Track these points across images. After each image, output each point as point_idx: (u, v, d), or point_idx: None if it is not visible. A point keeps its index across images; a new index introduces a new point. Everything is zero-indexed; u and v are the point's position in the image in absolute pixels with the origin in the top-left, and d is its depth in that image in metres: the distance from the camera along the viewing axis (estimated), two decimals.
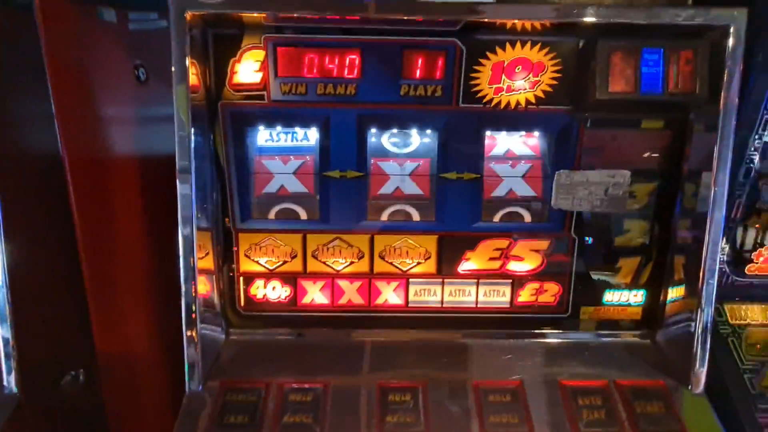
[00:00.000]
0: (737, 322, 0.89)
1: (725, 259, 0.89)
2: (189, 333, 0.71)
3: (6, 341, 0.69)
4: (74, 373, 0.82)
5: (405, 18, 0.66)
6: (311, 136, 0.76)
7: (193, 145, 0.67)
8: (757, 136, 0.82)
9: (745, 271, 0.91)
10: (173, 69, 0.66)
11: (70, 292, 0.79)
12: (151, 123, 1.01)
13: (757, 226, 0.89)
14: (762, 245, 0.89)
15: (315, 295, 0.80)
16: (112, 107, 0.86)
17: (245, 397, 0.70)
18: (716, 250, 0.72)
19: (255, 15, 0.66)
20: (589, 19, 0.66)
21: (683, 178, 0.75)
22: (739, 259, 0.90)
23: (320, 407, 0.69)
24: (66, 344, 0.80)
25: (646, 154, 0.75)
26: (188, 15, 0.65)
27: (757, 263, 0.90)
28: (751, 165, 0.85)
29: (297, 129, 0.76)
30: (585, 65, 0.70)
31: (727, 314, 0.90)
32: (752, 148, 0.83)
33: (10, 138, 0.67)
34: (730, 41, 0.66)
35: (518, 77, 0.71)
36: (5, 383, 0.70)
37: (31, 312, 0.71)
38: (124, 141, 0.90)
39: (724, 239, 0.89)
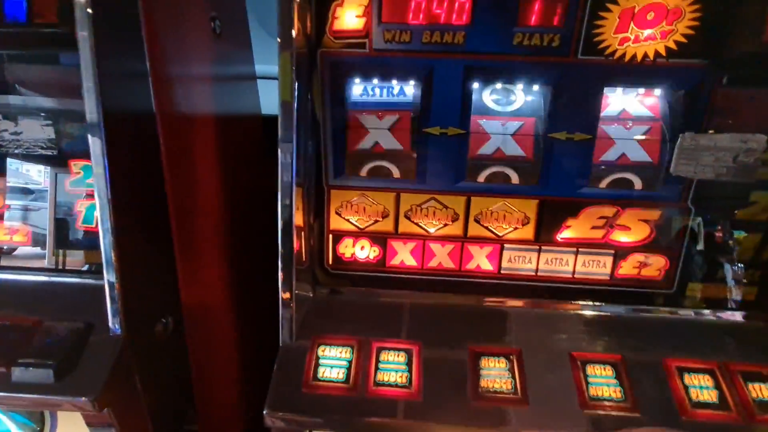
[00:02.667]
0: None
1: None
2: (286, 287, 0.71)
3: (112, 286, 0.71)
4: (165, 320, 0.85)
5: None
6: (408, 90, 0.72)
7: (296, 113, 0.64)
8: None
9: None
10: (278, 34, 0.62)
11: (162, 244, 0.81)
12: (229, 79, 0.99)
13: None
14: None
15: (404, 256, 0.78)
16: (194, 62, 0.85)
17: (338, 352, 0.70)
18: None
19: None
20: None
21: None
22: None
23: (412, 367, 0.68)
24: (158, 293, 0.83)
25: None
26: None
27: None
28: None
29: (394, 83, 0.72)
30: (733, 10, 0.61)
31: None
32: None
33: (112, 95, 0.67)
34: None
35: (649, 25, 0.64)
36: (111, 325, 0.73)
37: (130, 261, 0.73)
38: (207, 97, 0.90)
39: None
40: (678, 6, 0.63)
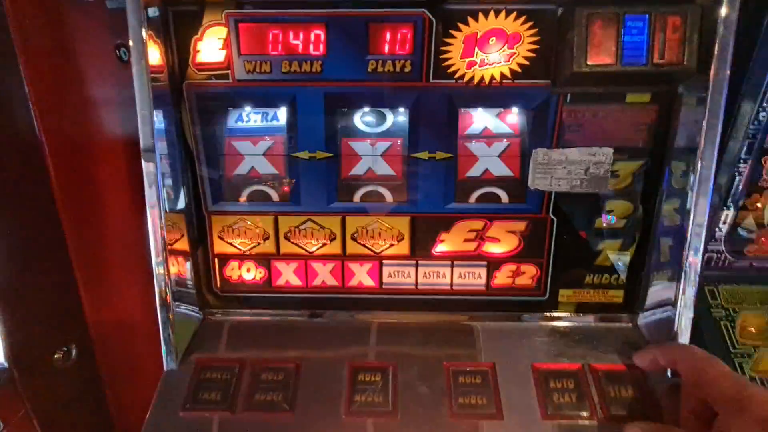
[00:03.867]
0: (733, 305, 0.86)
1: (723, 238, 0.85)
2: (164, 313, 0.72)
3: None
4: (66, 348, 0.85)
5: None
6: (281, 115, 0.75)
7: (155, 123, 0.66)
8: (761, 110, 0.77)
9: (744, 253, 0.87)
10: (131, 48, 0.65)
11: (58, 269, 0.81)
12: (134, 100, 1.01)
13: (758, 205, 0.84)
14: (763, 226, 0.85)
15: (289, 276, 0.80)
16: (93, 88, 0.86)
17: (219, 375, 0.72)
18: (701, 230, 0.69)
19: None
20: None
21: (671, 155, 0.71)
22: (737, 239, 0.86)
23: (290, 386, 0.70)
24: (57, 320, 0.83)
25: (630, 131, 0.70)
26: None
27: (756, 244, 0.86)
28: (754, 140, 0.80)
29: (266, 109, 0.74)
30: (564, 35, 0.65)
31: (722, 297, 0.87)
32: (755, 123, 0.78)
33: None
34: (723, 7, 0.60)
35: (492, 49, 0.67)
36: None
37: (18, 290, 0.73)
38: (107, 121, 0.91)
39: (725, 219, 0.85)
40: (517, 31, 0.67)
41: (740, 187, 0.83)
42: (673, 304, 0.71)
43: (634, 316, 0.78)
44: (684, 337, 0.71)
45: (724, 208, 0.84)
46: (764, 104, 0.77)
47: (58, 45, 0.77)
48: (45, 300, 0.81)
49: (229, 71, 0.70)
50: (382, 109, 0.74)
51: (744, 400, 0.54)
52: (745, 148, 0.81)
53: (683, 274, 0.69)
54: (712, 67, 0.62)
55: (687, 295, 0.70)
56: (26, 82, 0.72)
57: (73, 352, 0.86)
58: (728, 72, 0.63)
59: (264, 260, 0.79)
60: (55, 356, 0.83)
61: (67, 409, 0.85)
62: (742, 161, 0.81)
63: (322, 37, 0.68)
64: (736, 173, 0.82)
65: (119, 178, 0.93)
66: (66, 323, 0.85)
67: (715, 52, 0.62)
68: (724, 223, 0.85)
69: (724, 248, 0.86)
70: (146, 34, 0.64)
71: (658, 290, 0.75)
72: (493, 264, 0.78)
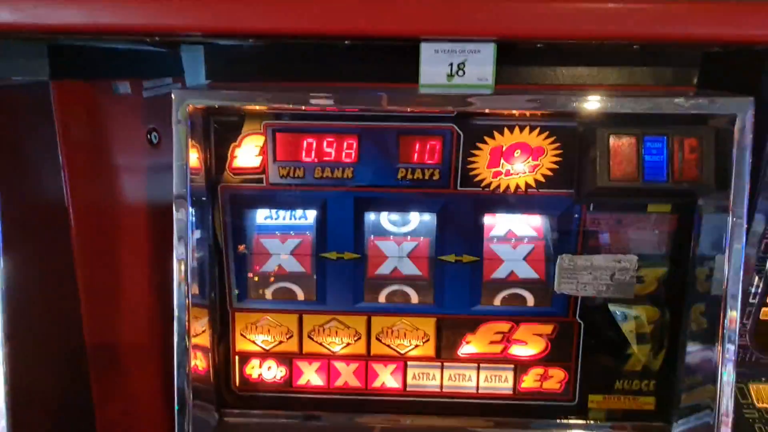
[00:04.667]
0: (764, 405, 0.83)
1: (748, 337, 0.84)
2: (181, 418, 0.70)
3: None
4: None
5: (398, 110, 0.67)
6: (309, 214, 0.77)
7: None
8: None
9: None
10: (174, 149, 0.68)
11: (71, 349, 0.78)
12: (161, 180, 1.03)
13: None
14: None
15: (311, 376, 0.78)
16: (124, 165, 0.88)
17: None
18: (734, 335, 0.68)
19: (256, 108, 0.68)
20: (588, 108, 0.65)
21: (694, 261, 0.72)
22: (763, 336, 0.85)
23: None
24: (63, 414, 0.80)
25: (653, 238, 0.72)
26: (189, 107, 0.67)
27: None
28: None
29: (296, 209, 0.76)
30: (586, 151, 0.68)
31: (753, 396, 0.84)
32: None
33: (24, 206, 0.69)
34: (737, 130, 0.64)
35: (517, 161, 0.70)
36: None
37: (28, 391, 0.71)
38: (139, 198, 0.91)
39: (747, 315, 0.84)
40: (540, 145, 0.70)
41: (762, 284, 0.83)
42: (710, 407, 0.69)
43: (668, 425, 0.75)
44: None
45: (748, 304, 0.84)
46: None
47: (95, 130, 0.80)
48: (54, 395, 0.78)
49: (263, 175, 0.72)
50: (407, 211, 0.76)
51: None
52: (762, 247, 0.82)
53: (719, 379, 0.68)
54: (732, 183, 0.65)
55: (724, 400, 0.68)
56: (62, 161, 0.74)
57: None
58: (747, 185, 0.66)
59: (286, 359, 0.78)
60: None
61: None
62: (759, 260, 0.82)
63: (354, 146, 0.71)
64: (755, 273, 0.82)
65: (140, 253, 0.92)
66: (74, 419, 0.81)
67: (733, 171, 0.65)
68: (748, 320, 0.85)
69: (750, 346, 0.85)
70: (189, 141, 0.67)
71: (691, 395, 0.73)
72: (521, 367, 0.76)
